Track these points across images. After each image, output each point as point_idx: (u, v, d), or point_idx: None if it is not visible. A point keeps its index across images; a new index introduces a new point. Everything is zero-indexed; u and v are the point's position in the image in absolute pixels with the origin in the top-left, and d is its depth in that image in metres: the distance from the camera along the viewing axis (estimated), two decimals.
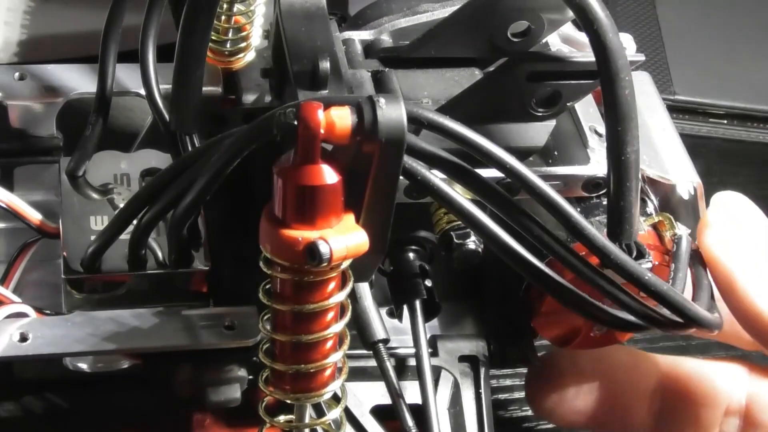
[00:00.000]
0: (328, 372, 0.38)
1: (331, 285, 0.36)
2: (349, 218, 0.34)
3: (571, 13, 0.45)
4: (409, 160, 0.35)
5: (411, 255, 0.50)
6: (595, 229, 0.38)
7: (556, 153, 0.48)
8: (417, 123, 0.33)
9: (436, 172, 0.37)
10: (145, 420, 0.51)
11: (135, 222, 0.43)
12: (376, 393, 0.51)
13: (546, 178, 0.43)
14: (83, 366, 0.47)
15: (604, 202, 0.48)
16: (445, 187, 0.36)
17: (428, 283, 0.50)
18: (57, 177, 0.50)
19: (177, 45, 0.43)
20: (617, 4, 0.85)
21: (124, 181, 0.50)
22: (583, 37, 0.50)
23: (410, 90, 0.46)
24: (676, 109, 0.78)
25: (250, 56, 0.53)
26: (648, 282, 0.38)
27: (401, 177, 0.35)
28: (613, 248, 0.37)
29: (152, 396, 0.50)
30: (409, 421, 0.48)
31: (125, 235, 0.44)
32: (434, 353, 0.53)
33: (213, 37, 0.52)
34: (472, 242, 0.47)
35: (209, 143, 0.40)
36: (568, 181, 0.47)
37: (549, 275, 0.37)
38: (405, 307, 0.50)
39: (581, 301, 0.38)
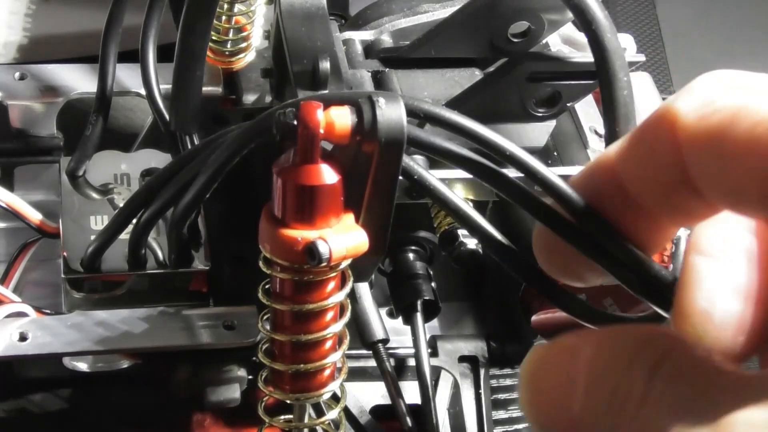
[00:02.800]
0: (327, 372, 0.38)
1: (331, 285, 0.36)
2: (349, 218, 0.34)
3: (571, 14, 0.45)
4: (406, 159, 0.35)
5: (411, 255, 0.51)
6: None
7: (556, 153, 0.48)
8: (414, 116, 0.33)
9: (433, 171, 0.36)
10: (145, 420, 0.51)
11: (134, 221, 0.43)
12: (376, 393, 0.51)
13: None
14: (83, 366, 0.47)
15: None
16: (442, 187, 0.36)
17: (428, 283, 0.50)
18: (57, 177, 0.50)
19: (177, 44, 0.43)
20: (617, 4, 0.85)
21: (124, 181, 0.50)
22: (583, 38, 0.50)
23: (410, 90, 0.46)
24: None
25: (250, 56, 0.53)
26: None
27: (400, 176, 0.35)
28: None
29: (152, 396, 0.50)
30: (409, 421, 0.48)
31: (125, 235, 0.44)
32: (434, 353, 0.53)
33: (214, 38, 0.53)
34: (472, 242, 0.47)
35: (207, 141, 0.40)
36: None
37: (545, 279, 0.37)
38: (404, 307, 0.50)
39: (578, 306, 0.38)
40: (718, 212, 0.28)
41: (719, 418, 0.23)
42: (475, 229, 0.36)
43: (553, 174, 0.32)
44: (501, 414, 0.59)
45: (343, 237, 0.33)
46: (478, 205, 0.48)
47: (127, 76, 0.52)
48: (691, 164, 0.27)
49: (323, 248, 0.33)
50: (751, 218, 0.28)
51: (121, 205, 0.46)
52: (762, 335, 0.28)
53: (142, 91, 0.50)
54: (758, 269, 0.28)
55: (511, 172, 0.33)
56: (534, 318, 0.50)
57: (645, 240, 0.31)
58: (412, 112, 0.32)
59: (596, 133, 0.49)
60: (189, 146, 0.46)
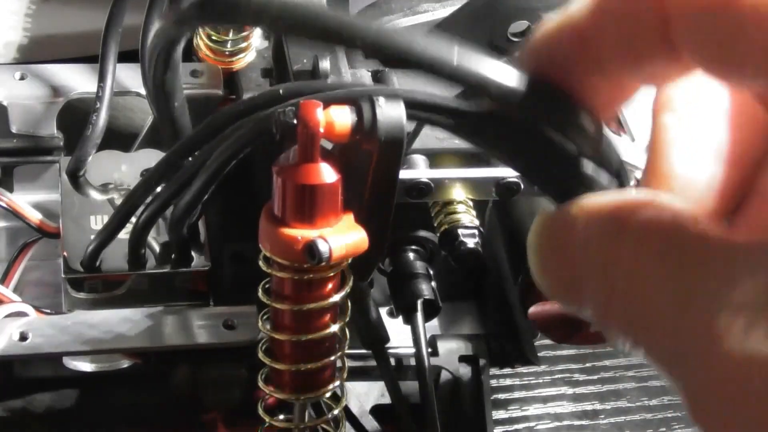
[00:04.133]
0: (327, 371, 0.38)
1: (331, 284, 0.36)
2: (349, 217, 0.34)
3: None
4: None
5: (411, 255, 0.50)
6: None
7: None
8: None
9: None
10: (145, 420, 0.51)
11: (134, 220, 0.43)
12: (376, 393, 0.51)
13: None
14: (83, 365, 0.47)
15: None
16: None
17: (428, 283, 0.50)
18: (57, 177, 0.50)
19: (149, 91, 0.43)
20: None
21: (124, 181, 0.50)
22: None
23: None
24: None
25: (250, 56, 0.53)
26: None
27: None
28: None
29: (152, 396, 0.50)
30: (409, 421, 0.48)
31: (125, 235, 0.44)
32: (434, 353, 0.53)
33: (214, 38, 0.53)
34: (472, 242, 0.47)
35: (199, 134, 0.40)
36: None
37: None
38: (405, 307, 0.50)
39: None
40: (691, 73, 0.27)
41: (714, 297, 0.22)
42: None
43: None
44: (501, 414, 0.59)
45: (343, 236, 0.33)
46: (479, 205, 0.48)
47: (127, 76, 0.52)
48: (678, 25, 0.25)
49: (323, 247, 0.33)
50: (735, 86, 0.27)
51: None
52: (735, 198, 0.27)
53: (142, 91, 0.50)
54: (731, 127, 0.27)
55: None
56: (531, 310, 0.50)
57: (602, 100, 0.29)
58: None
59: None
60: None
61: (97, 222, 0.47)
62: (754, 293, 0.22)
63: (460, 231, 0.47)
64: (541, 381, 0.61)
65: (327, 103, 0.32)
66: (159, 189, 0.42)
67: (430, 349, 0.52)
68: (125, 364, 0.47)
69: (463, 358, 0.53)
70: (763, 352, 0.21)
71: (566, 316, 0.46)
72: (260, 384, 0.39)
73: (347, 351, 0.39)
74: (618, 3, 0.27)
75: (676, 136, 0.28)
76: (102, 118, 0.50)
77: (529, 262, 0.29)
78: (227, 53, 0.53)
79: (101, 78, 0.50)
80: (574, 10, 0.28)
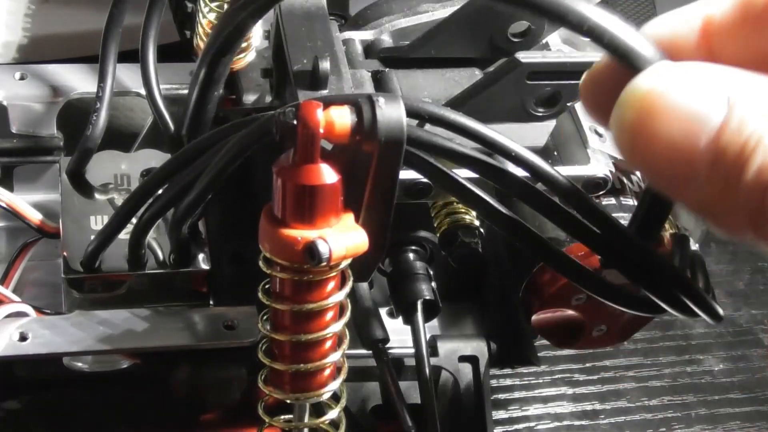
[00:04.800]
0: (327, 372, 0.38)
1: (331, 284, 0.36)
2: (349, 218, 0.34)
3: None
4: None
5: (411, 255, 0.50)
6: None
7: (556, 153, 0.48)
8: (418, 117, 0.33)
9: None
10: (145, 420, 0.51)
11: (134, 221, 0.43)
12: (376, 393, 0.51)
13: None
14: (83, 366, 0.47)
15: (604, 202, 0.48)
16: (447, 170, 0.35)
17: (428, 283, 0.50)
18: (57, 177, 0.50)
19: (201, 72, 0.42)
20: (617, 4, 0.85)
21: (124, 181, 0.50)
22: (583, 38, 0.50)
23: (410, 90, 0.46)
24: None
25: (250, 57, 0.53)
26: None
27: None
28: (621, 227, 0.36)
29: (152, 396, 0.50)
30: (409, 421, 0.48)
31: (125, 235, 0.44)
32: (434, 353, 0.53)
33: None
34: (472, 242, 0.47)
35: (200, 141, 0.40)
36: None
37: (555, 252, 0.36)
38: (405, 307, 0.50)
39: (590, 279, 0.37)
40: None
41: None
42: (481, 206, 0.35)
43: (558, 173, 0.31)
44: (501, 414, 0.59)
45: (343, 237, 0.33)
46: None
47: (127, 76, 0.52)
48: None
49: (323, 248, 0.33)
50: None
51: None
52: None
53: (142, 91, 0.50)
54: None
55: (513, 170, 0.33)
56: (534, 317, 0.50)
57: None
58: (416, 114, 0.32)
59: (596, 132, 0.49)
60: None
61: (97, 222, 0.47)
62: None
63: (460, 231, 0.47)
64: (541, 381, 0.61)
65: (327, 104, 0.32)
66: (160, 191, 0.42)
67: (430, 349, 0.52)
68: (125, 364, 0.47)
69: (463, 358, 0.53)
70: None
71: (568, 323, 0.47)
72: (260, 384, 0.39)
73: (347, 351, 0.39)
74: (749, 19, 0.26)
75: None
76: (102, 118, 0.50)
77: (625, 132, 0.24)
78: None
79: (101, 78, 0.50)
80: (707, 10, 0.27)
